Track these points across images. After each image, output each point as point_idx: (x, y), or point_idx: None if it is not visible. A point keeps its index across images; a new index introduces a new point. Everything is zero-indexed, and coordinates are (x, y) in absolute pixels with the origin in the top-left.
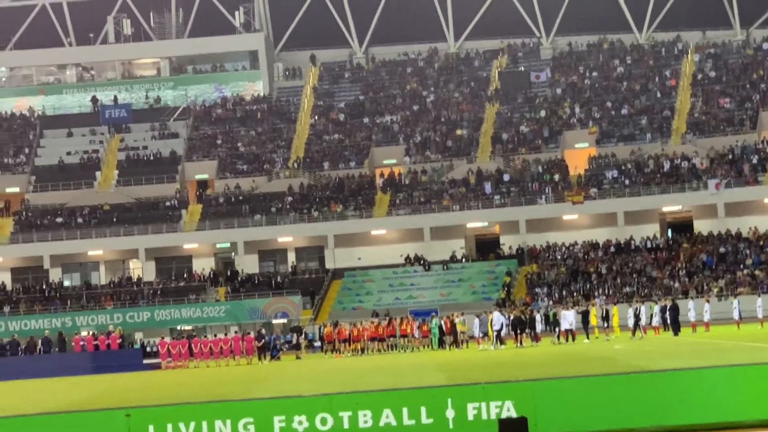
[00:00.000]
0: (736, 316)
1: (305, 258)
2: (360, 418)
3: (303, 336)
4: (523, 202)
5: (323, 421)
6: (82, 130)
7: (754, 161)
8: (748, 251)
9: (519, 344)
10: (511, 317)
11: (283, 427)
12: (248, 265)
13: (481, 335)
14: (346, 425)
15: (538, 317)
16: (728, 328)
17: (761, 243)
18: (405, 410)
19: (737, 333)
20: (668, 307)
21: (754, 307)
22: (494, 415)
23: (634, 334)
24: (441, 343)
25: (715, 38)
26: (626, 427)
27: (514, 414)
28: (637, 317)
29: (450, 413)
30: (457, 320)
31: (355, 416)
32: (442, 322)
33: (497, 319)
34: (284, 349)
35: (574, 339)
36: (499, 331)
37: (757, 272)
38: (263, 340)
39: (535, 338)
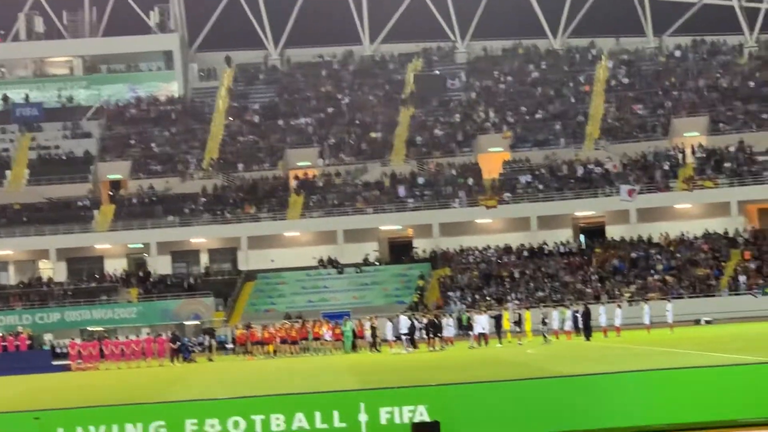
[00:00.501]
0: (646, 321)
1: (218, 259)
2: (273, 421)
3: (214, 338)
4: (436, 206)
5: (236, 425)
6: None
7: (666, 168)
8: (659, 257)
9: (432, 348)
10: (425, 321)
11: (195, 430)
12: (161, 266)
13: (393, 339)
14: (258, 429)
15: (450, 321)
16: (639, 332)
17: (672, 249)
18: (318, 414)
19: (648, 338)
20: (580, 312)
21: (664, 312)
22: (407, 419)
23: (546, 339)
24: (354, 347)
25: (629, 45)
26: None
27: (427, 418)
28: (544, 322)
29: (363, 417)
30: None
31: (268, 420)
32: (355, 325)
33: (404, 322)
34: (196, 351)
35: (487, 343)
36: (407, 335)
37: (667, 278)
38: (178, 342)
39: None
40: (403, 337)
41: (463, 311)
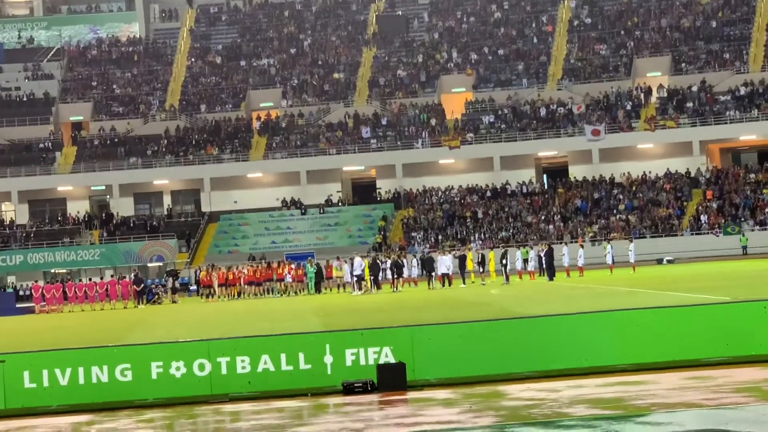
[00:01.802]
0: (609, 260)
1: (181, 201)
2: (238, 363)
3: (177, 279)
4: (399, 147)
5: (201, 367)
6: None
7: (628, 108)
8: (621, 197)
9: (395, 288)
10: (389, 261)
11: (161, 372)
12: (123, 208)
13: (355, 280)
14: (224, 371)
15: (414, 261)
16: (602, 272)
17: (634, 189)
18: (283, 356)
19: (610, 278)
20: (543, 252)
21: (626, 252)
22: (372, 360)
23: (506, 279)
24: (317, 288)
25: None
26: (503, 373)
27: (392, 360)
28: (504, 263)
29: (328, 359)
30: (334, 264)
31: (233, 362)
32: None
33: (358, 264)
34: (161, 293)
35: (450, 284)
36: (359, 276)
37: (630, 217)
38: (142, 284)
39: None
40: (354, 278)
41: (426, 252)
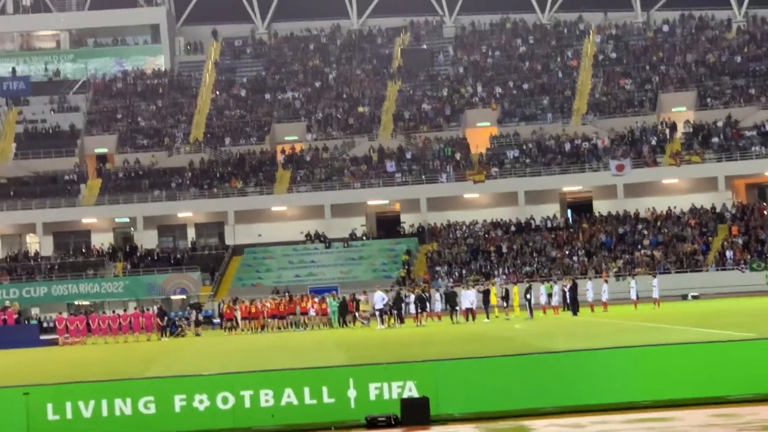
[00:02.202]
0: (633, 296)
1: (205, 234)
2: (261, 397)
3: (201, 312)
4: (424, 181)
5: (224, 400)
6: None
7: (653, 143)
8: (645, 232)
9: (419, 323)
10: (413, 296)
11: (184, 405)
12: (147, 240)
13: (377, 314)
14: (247, 404)
15: (437, 296)
16: (626, 307)
17: (659, 224)
18: (306, 390)
19: (635, 313)
20: (568, 287)
21: (650, 288)
22: (396, 395)
23: (530, 314)
24: (341, 322)
25: (617, 20)
26: (526, 408)
27: (416, 394)
28: (529, 298)
29: (352, 393)
30: (361, 299)
31: (257, 395)
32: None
33: (378, 298)
34: (184, 326)
35: (474, 318)
36: (380, 310)
37: (654, 253)
38: (165, 317)
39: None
40: (377, 313)
41: (450, 287)
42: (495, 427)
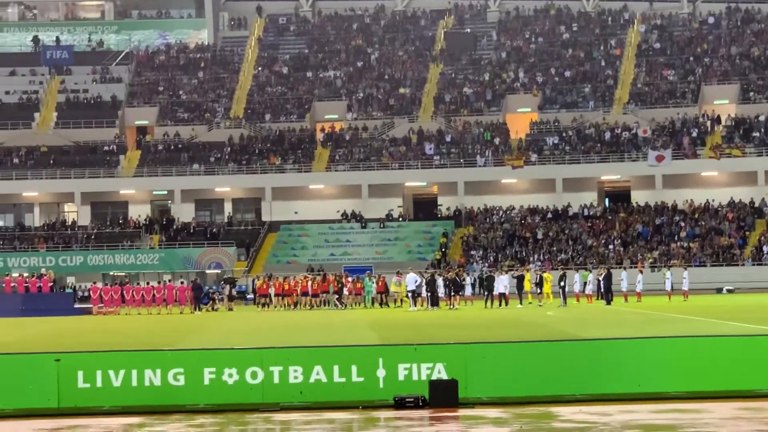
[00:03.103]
0: (668, 287)
1: (242, 209)
2: (291, 373)
3: (234, 287)
4: (462, 164)
5: (253, 375)
6: (22, 70)
7: (694, 134)
8: (683, 224)
9: (452, 306)
10: (441, 279)
11: (213, 379)
12: (184, 213)
13: (410, 295)
14: (276, 380)
15: (468, 280)
16: (660, 299)
17: (696, 216)
18: (336, 368)
19: (668, 305)
20: (602, 276)
21: (680, 279)
22: (425, 376)
23: (564, 301)
24: (381, 302)
25: (662, 10)
26: (554, 394)
27: (445, 376)
28: (563, 285)
29: (381, 372)
30: (394, 280)
31: (286, 371)
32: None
33: (411, 279)
34: (217, 299)
35: (507, 303)
36: (413, 292)
37: (691, 245)
38: (200, 291)
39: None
40: (409, 294)
41: (485, 271)
42: (522, 412)
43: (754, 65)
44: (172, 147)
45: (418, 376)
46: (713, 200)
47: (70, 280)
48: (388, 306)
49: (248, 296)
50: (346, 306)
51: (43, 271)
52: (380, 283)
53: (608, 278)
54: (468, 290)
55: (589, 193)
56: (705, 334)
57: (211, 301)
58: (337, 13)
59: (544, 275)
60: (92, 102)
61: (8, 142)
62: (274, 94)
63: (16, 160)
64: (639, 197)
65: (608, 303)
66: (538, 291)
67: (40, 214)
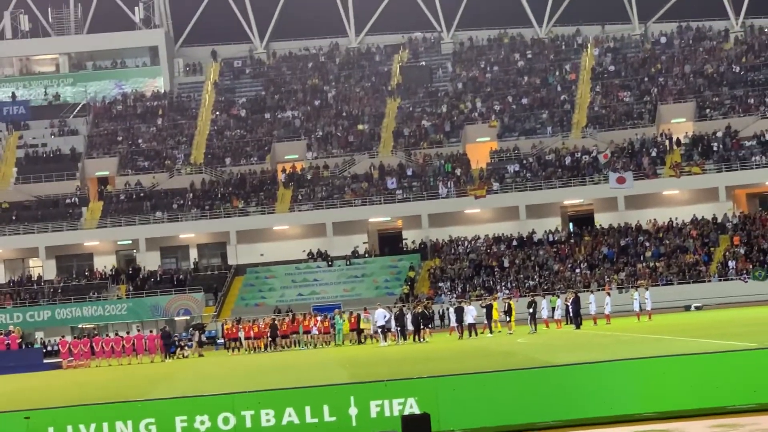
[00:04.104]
0: (636, 308)
1: (207, 255)
2: (262, 417)
3: (203, 333)
4: (425, 197)
5: (225, 421)
6: None
7: (653, 154)
8: (647, 243)
9: (421, 339)
10: (414, 312)
11: (185, 427)
12: (150, 262)
13: (379, 330)
14: (248, 424)
15: (451, 311)
16: (629, 320)
17: (660, 235)
18: (308, 409)
19: (637, 325)
20: (570, 300)
21: (644, 300)
22: (397, 412)
23: (533, 327)
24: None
25: (614, 32)
26: (528, 422)
27: (417, 410)
28: (532, 312)
29: (353, 411)
30: (362, 317)
31: (258, 415)
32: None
33: (380, 315)
34: (188, 347)
35: (477, 333)
36: (383, 327)
37: (656, 264)
38: (169, 338)
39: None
40: (379, 330)
41: (453, 302)
42: None
43: (708, 82)
44: (134, 196)
45: (390, 411)
46: (676, 218)
47: (39, 335)
48: (363, 342)
49: (219, 341)
50: (312, 345)
51: (10, 328)
52: (353, 321)
53: (576, 302)
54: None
55: (552, 218)
56: (675, 353)
57: (178, 348)
58: (291, 53)
59: (510, 303)
60: (51, 155)
61: None
62: (233, 137)
63: None
64: (602, 220)
65: (578, 327)
66: (507, 319)
67: (5, 270)
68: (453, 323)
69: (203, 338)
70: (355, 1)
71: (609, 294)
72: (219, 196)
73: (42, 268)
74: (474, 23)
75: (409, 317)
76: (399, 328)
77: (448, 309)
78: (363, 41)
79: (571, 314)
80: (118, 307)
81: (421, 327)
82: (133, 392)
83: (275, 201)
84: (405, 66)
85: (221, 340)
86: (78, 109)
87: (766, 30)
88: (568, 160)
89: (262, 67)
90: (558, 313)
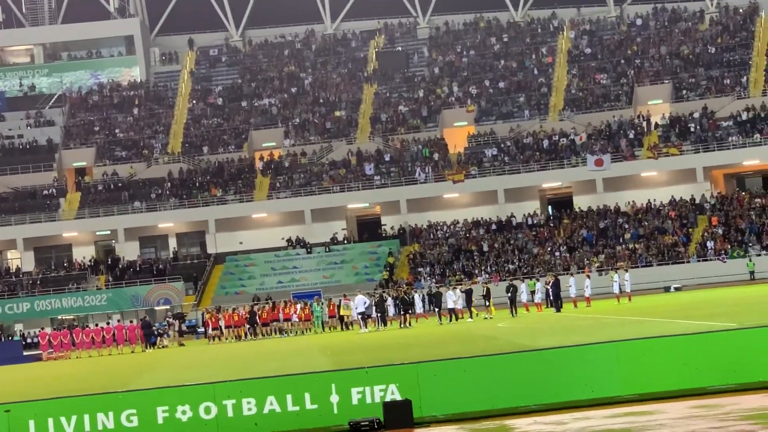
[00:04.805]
0: (616, 290)
1: (186, 243)
2: (244, 405)
3: (183, 322)
4: (403, 182)
5: (207, 410)
6: None
7: (631, 136)
8: (626, 225)
9: (403, 325)
10: (390, 298)
11: (167, 417)
12: (129, 252)
13: (359, 317)
14: (230, 414)
15: (417, 297)
16: (609, 302)
17: (639, 217)
18: (289, 397)
19: (618, 307)
20: (550, 284)
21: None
22: (378, 398)
23: (514, 312)
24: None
25: (590, 15)
26: (510, 407)
27: (398, 397)
28: (511, 296)
29: (334, 398)
30: (342, 303)
31: (239, 404)
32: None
33: (360, 301)
34: (167, 336)
35: (457, 318)
36: (362, 313)
37: (636, 246)
38: (150, 328)
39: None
40: (359, 316)
41: (432, 287)
42: (478, 428)
43: (684, 64)
44: (112, 186)
45: (371, 398)
46: (655, 200)
47: (18, 327)
48: (346, 329)
49: (199, 330)
50: (293, 333)
51: None
52: (332, 307)
53: (556, 285)
54: (418, 307)
55: (531, 201)
56: (654, 335)
57: (158, 338)
58: (267, 41)
59: (488, 287)
60: (28, 147)
61: None
62: (210, 126)
63: None
64: (581, 202)
65: (558, 310)
66: (486, 304)
67: None
68: (419, 310)
69: (183, 327)
70: None
71: (589, 276)
72: (197, 184)
73: (20, 259)
74: (450, 8)
75: (390, 303)
76: (379, 314)
77: (423, 295)
78: (339, 27)
79: (552, 297)
80: (97, 297)
81: (402, 312)
82: (115, 383)
83: (253, 189)
84: (381, 51)
85: (201, 329)
86: (54, 99)
87: (740, 10)
88: (545, 143)
89: (238, 55)
90: (538, 297)
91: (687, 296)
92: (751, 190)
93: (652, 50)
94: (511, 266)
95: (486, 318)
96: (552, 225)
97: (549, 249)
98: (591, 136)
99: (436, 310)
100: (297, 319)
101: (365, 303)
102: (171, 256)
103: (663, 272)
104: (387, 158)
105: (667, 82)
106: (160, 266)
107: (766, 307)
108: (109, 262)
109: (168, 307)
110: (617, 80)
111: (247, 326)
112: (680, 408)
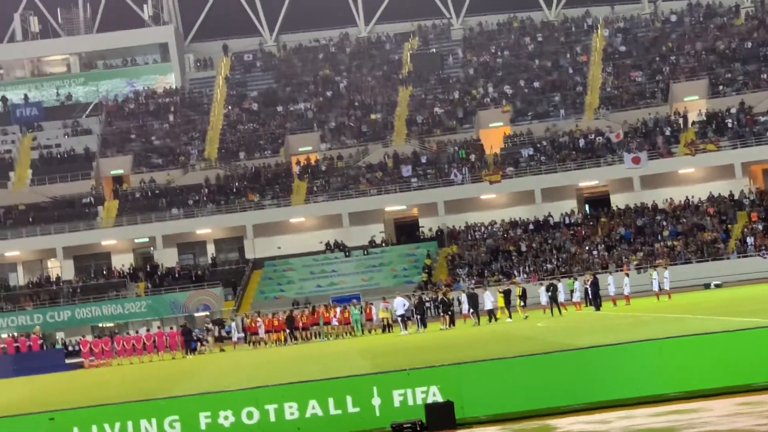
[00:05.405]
0: (655, 287)
1: (225, 249)
2: (286, 410)
3: (222, 328)
4: (440, 184)
5: (249, 415)
6: None
7: (667, 133)
8: (664, 223)
9: (444, 326)
10: (434, 299)
11: (209, 423)
12: (168, 259)
13: (399, 319)
14: (272, 418)
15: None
16: (648, 300)
17: (677, 214)
18: (331, 400)
19: (657, 305)
20: (589, 283)
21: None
22: (420, 400)
23: (552, 311)
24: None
25: (624, 12)
26: (552, 406)
27: (440, 398)
28: (551, 295)
29: (376, 401)
30: (381, 306)
31: (281, 409)
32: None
33: (399, 304)
34: (205, 342)
35: (496, 319)
36: (402, 316)
37: (674, 243)
38: (190, 334)
39: (452, 321)
40: (399, 319)
41: (471, 288)
42: (521, 428)
43: (720, 59)
44: (149, 193)
45: (413, 400)
46: (693, 197)
47: (59, 335)
48: (390, 331)
49: (238, 335)
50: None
51: (36, 329)
52: (368, 311)
53: (595, 284)
54: (464, 308)
55: (568, 201)
56: (698, 332)
57: (199, 344)
58: (302, 45)
59: (523, 287)
60: (66, 156)
61: None
62: (246, 131)
63: None
64: (618, 200)
65: (597, 309)
66: (522, 304)
67: (23, 272)
68: (465, 311)
69: (223, 333)
70: None
71: (627, 275)
72: (234, 190)
73: (60, 268)
74: (483, 8)
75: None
76: (419, 317)
77: (459, 297)
78: (373, 30)
79: (591, 296)
80: (137, 305)
81: (442, 314)
82: (156, 390)
83: (290, 193)
84: (415, 53)
85: (240, 335)
86: (90, 108)
87: None
88: (582, 142)
89: (273, 60)
90: (577, 296)
91: (727, 293)
92: None
93: (687, 46)
94: (549, 266)
95: (524, 318)
96: (590, 224)
97: (587, 248)
98: (627, 134)
99: (472, 311)
100: (336, 323)
101: (404, 305)
102: (209, 262)
103: (702, 269)
104: (423, 160)
105: (702, 78)
106: (199, 272)
107: None
108: (148, 269)
109: (207, 313)
110: (652, 77)
111: (287, 331)
112: (725, 405)
